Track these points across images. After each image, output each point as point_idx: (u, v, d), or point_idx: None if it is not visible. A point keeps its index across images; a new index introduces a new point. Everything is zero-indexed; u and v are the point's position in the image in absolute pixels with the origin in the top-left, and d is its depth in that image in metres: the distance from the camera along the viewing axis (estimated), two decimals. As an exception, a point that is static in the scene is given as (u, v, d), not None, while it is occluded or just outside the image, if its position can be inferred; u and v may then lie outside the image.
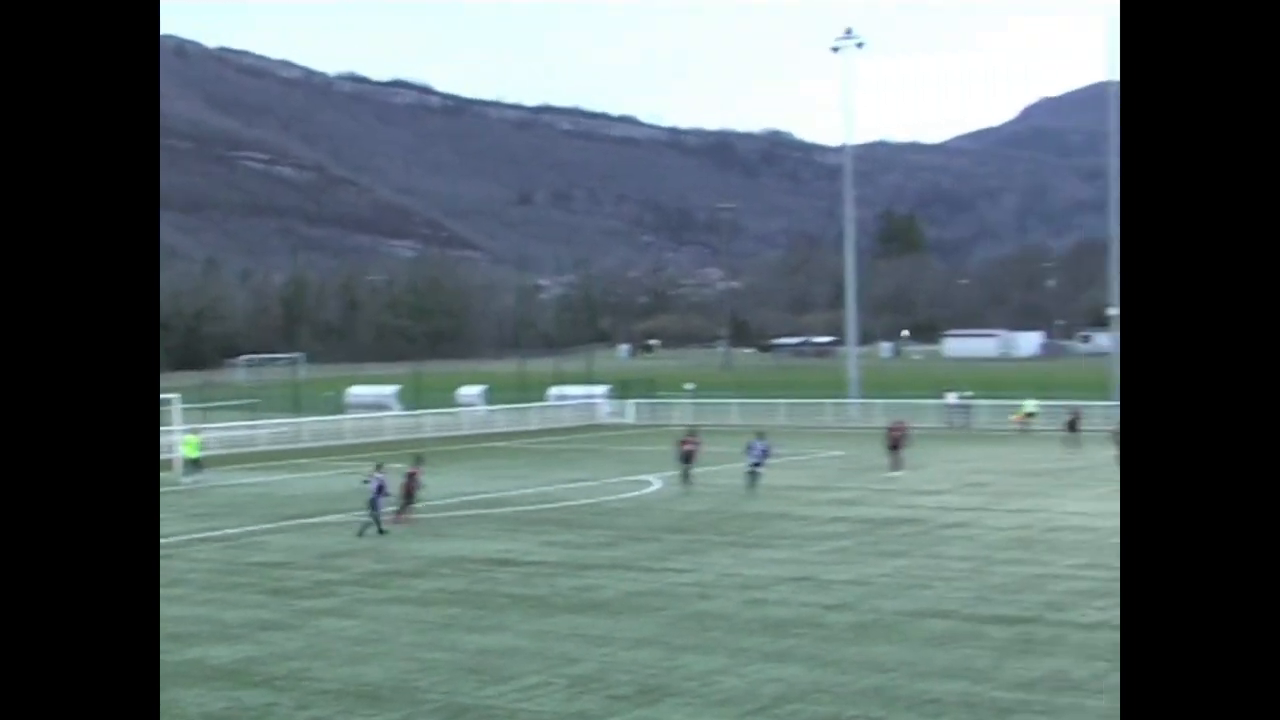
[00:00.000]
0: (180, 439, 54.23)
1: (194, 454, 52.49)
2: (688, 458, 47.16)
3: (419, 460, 41.09)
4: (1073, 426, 61.31)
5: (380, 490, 37.47)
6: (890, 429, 53.09)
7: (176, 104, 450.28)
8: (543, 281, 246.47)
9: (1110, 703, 19.43)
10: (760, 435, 46.65)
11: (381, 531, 36.76)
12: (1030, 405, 73.81)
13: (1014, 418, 72.44)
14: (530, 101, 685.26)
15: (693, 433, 49.12)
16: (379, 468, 38.45)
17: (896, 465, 51.20)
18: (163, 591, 25.23)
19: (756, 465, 45.46)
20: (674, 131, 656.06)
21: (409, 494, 39.16)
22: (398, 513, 38.57)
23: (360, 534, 36.80)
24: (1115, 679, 20.53)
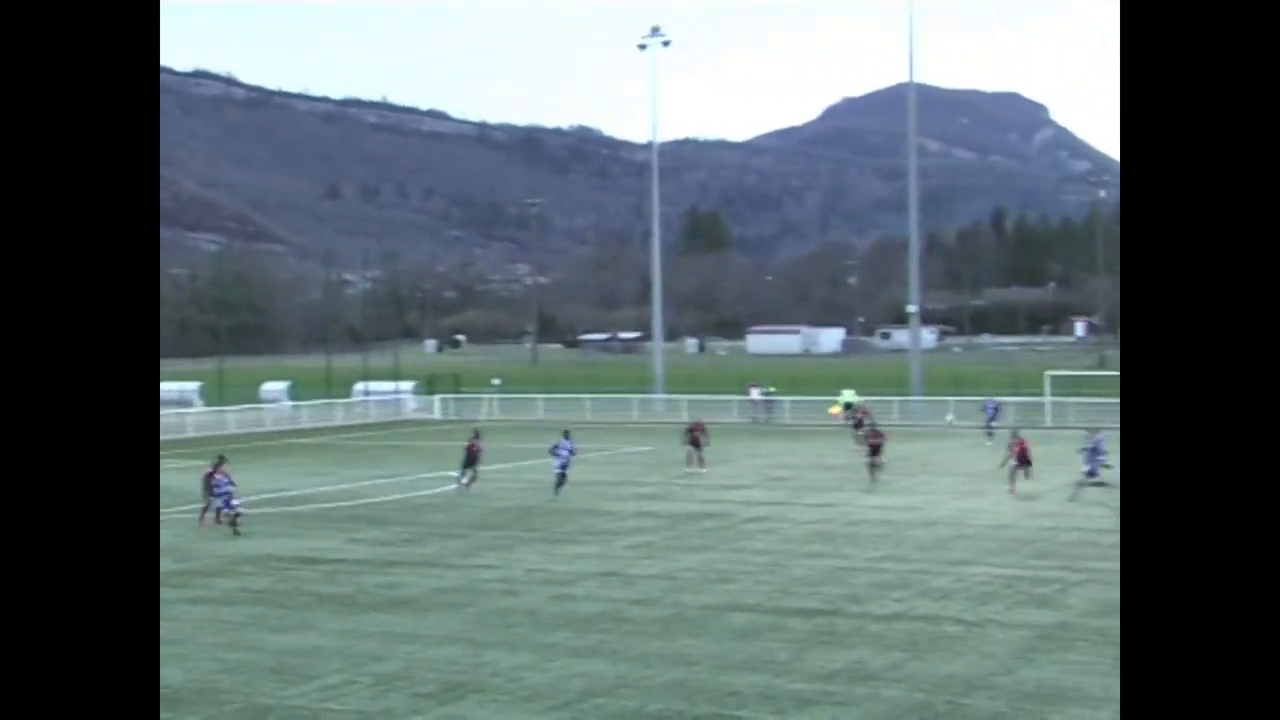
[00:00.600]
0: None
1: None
2: (472, 458, 45.79)
3: (221, 459, 40.41)
4: (859, 424, 61.88)
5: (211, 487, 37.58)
6: (690, 428, 53.44)
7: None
8: (350, 276, 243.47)
9: (905, 692, 19.91)
10: (566, 434, 46.00)
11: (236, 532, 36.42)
12: (848, 395, 74.04)
13: (833, 411, 71.91)
14: (336, 94, 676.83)
15: (478, 434, 47.77)
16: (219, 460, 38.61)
17: (697, 462, 51.50)
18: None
19: (564, 467, 43.98)
20: (483, 126, 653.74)
21: (211, 493, 38.52)
22: (203, 511, 37.95)
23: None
24: (912, 668, 21.07)
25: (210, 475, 38.67)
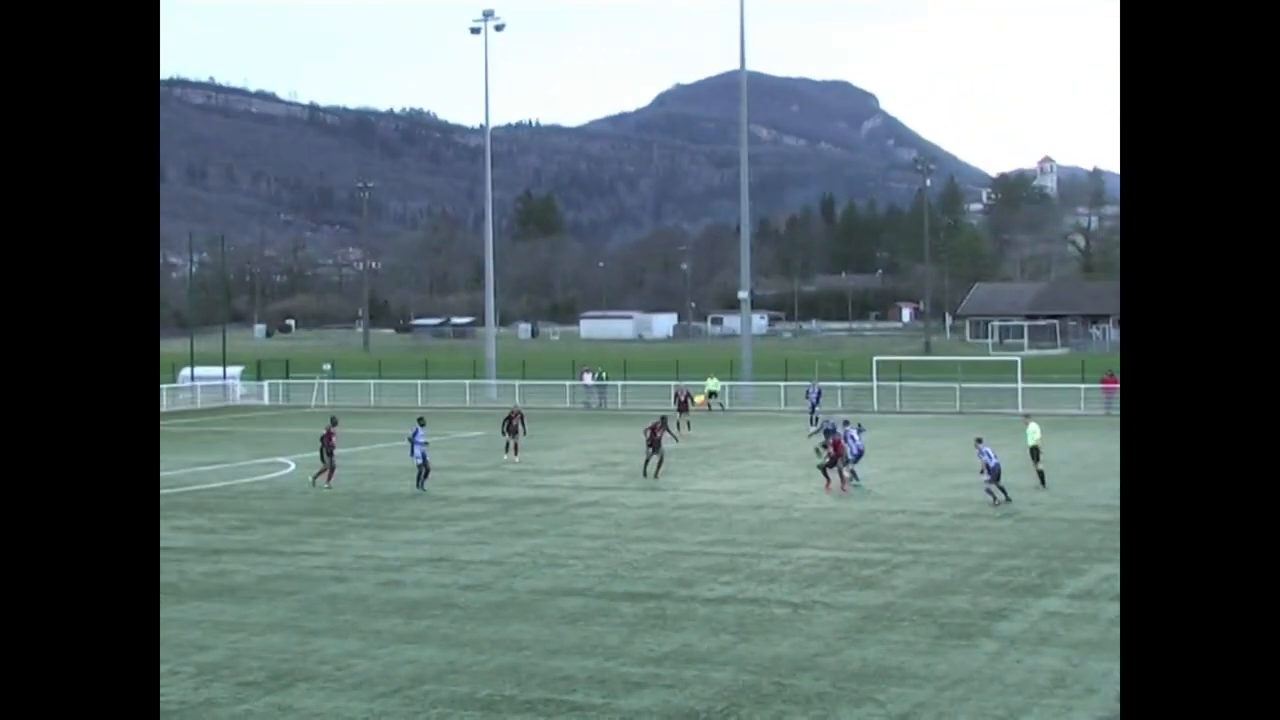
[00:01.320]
0: None
1: None
2: (329, 449, 43.25)
3: None
4: (684, 407, 62.20)
5: None
6: (509, 415, 51.67)
7: None
8: (175, 259, 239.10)
9: (732, 673, 20.11)
10: (422, 421, 44.09)
11: None
12: (713, 384, 74.29)
13: (699, 400, 71.24)
14: (162, 74, 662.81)
15: (335, 421, 45.87)
16: None
17: (513, 450, 50.11)
18: None
19: (424, 457, 41.77)
20: (314, 109, 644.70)
21: None
22: None
23: None
24: (740, 650, 21.28)
25: None
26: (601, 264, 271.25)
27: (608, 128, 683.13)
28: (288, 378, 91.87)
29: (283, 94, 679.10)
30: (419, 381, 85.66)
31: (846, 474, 40.56)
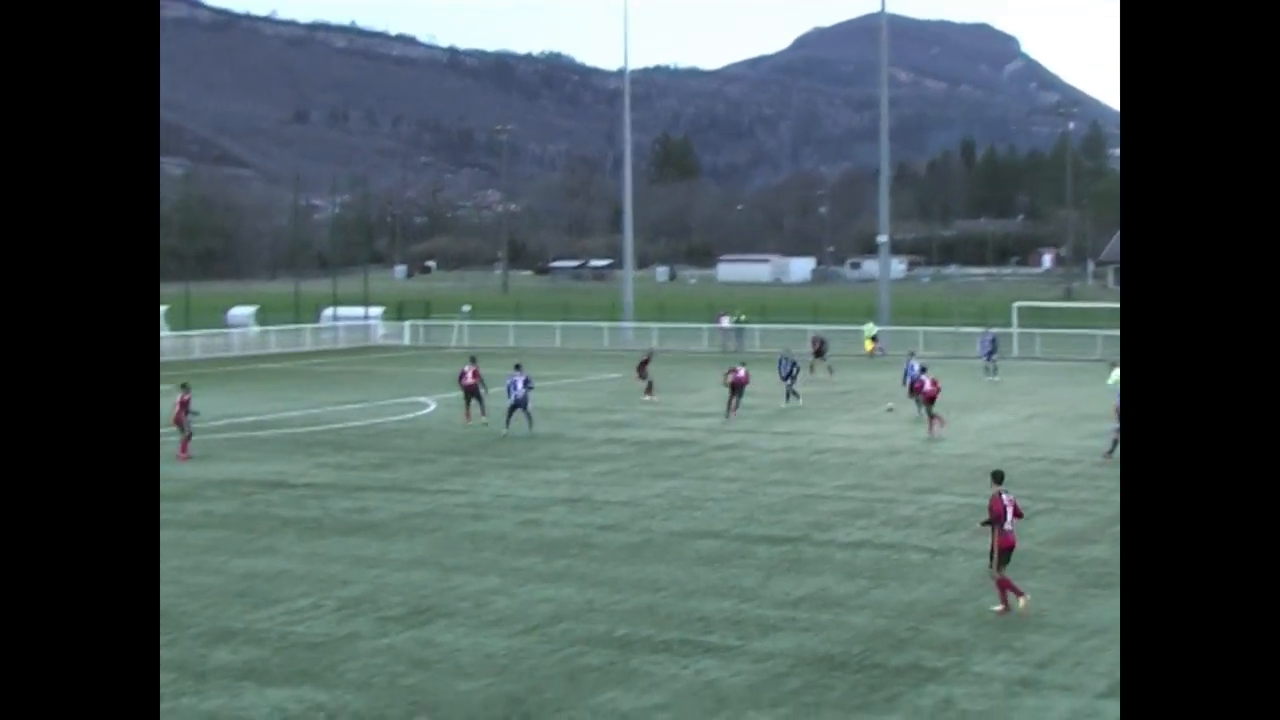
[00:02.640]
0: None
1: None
2: (472, 392, 43.62)
3: (184, 387, 39.96)
4: (820, 352, 61.66)
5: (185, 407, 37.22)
6: (643, 360, 52.38)
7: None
8: (318, 201, 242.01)
9: (868, 618, 20.07)
10: (519, 366, 43.19)
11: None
12: (870, 329, 73.16)
13: (868, 346, 70.07)
14: (304, 18, 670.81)
15: (474, 360, 46.00)
16: (184, 387, 37.88)
17: (648, 390, 50.77)
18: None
19: (518, 400, 41.27)
20: (453, 52, 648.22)
21: (180, 421, 38.16)
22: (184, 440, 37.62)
23: None
24: (876, 595, 21.23)
25: (184, 403, 38.16)
26: (739, 207, 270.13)
27: (746, 71, 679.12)
28: (427, 319, 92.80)
29: (422, 38, 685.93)
30: (556, 324, 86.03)
31: (934, 414, 41.04)
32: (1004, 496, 20.50)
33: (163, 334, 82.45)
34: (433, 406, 48.69)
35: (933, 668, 17.78)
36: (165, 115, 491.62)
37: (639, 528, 27.14)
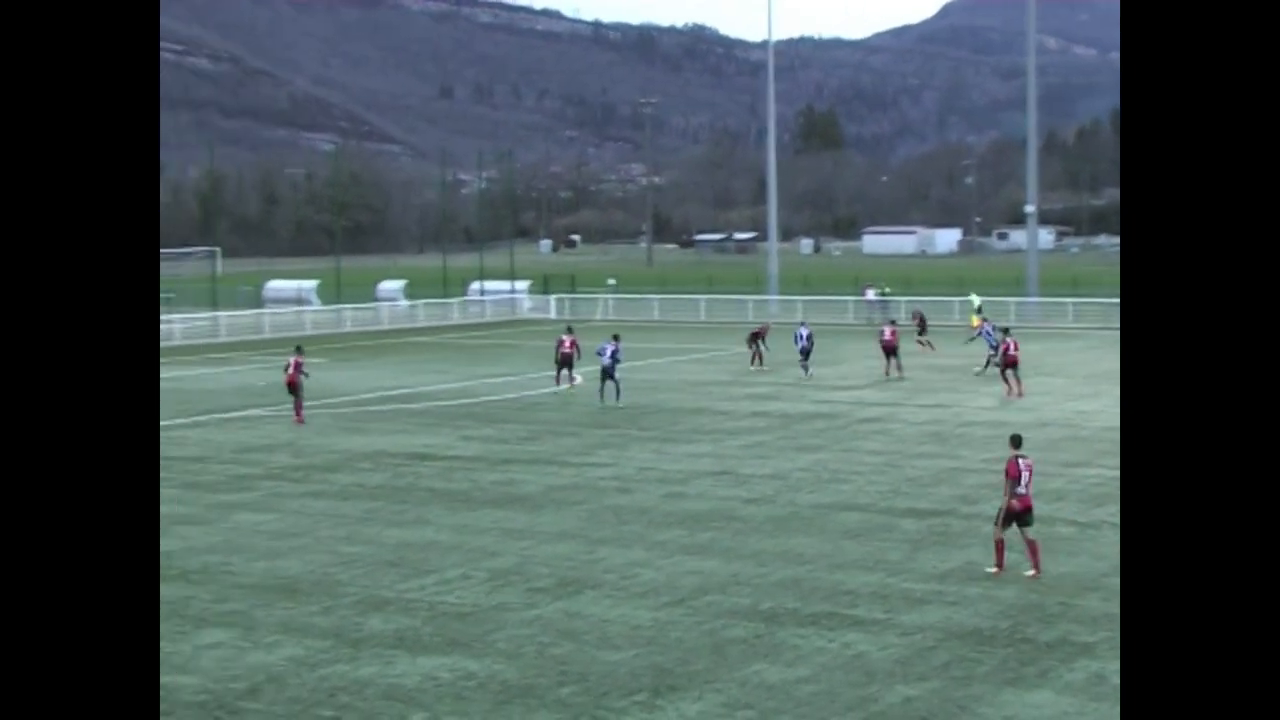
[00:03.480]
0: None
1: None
2: (566, 361, 44.96)
3: (299, 350, 40.35)
4: (922, 328, 59.99)
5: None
6: (758, 331, 53.82)
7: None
8: (464, 176, 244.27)
9: (1018, 592, 19.89)
10: (616, 336, 44.00)
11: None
12: (976, 300, 71.61)
13: (974, 321, 68.90)
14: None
15: (570, 330, 46.86)
16: (298, 349, 38.84)
17: (757, 360, 52.05)
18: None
19: (609, 369, 41.75)
20: (597, 25, 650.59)
21: (292, 387, 38.59)
22: (298, 408, 38.42)
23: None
24: (1024, 569, 21.00)
25: (297, 366, 38.80)
26: (884, 178, 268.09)
27: (890, 40, 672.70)
28: (573, 292, 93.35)
29: (566, 11, 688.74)
30: (701, 297, 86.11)
31: (1013, 380, 43.09)
32: (1020, 461, 20.74)
33: (314, 307, 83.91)
34: (580, 380, 48.98)
35: (1083, 642, 17.57)
36: (315, 91, 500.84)
37: (784, 500, 27.11)
